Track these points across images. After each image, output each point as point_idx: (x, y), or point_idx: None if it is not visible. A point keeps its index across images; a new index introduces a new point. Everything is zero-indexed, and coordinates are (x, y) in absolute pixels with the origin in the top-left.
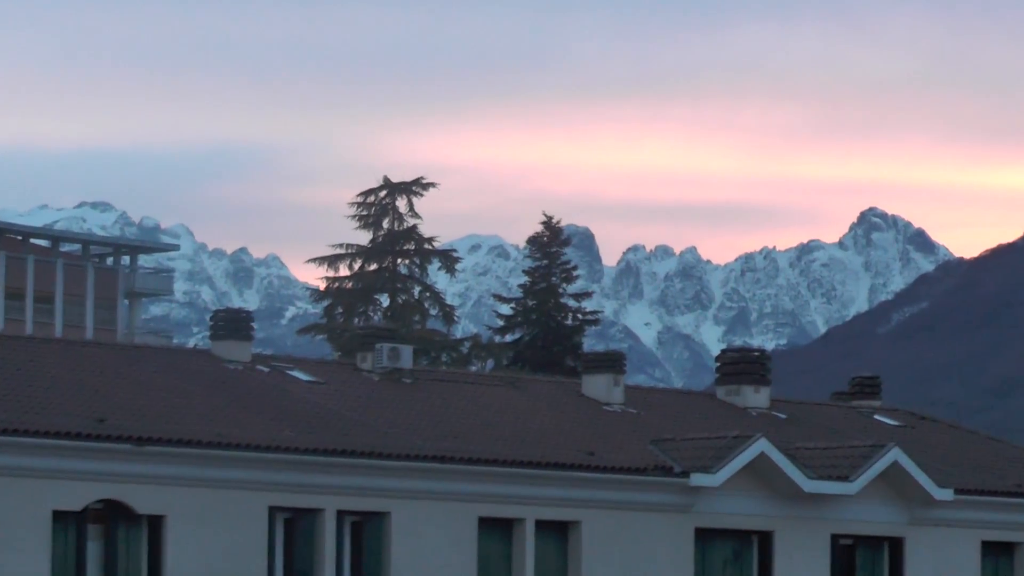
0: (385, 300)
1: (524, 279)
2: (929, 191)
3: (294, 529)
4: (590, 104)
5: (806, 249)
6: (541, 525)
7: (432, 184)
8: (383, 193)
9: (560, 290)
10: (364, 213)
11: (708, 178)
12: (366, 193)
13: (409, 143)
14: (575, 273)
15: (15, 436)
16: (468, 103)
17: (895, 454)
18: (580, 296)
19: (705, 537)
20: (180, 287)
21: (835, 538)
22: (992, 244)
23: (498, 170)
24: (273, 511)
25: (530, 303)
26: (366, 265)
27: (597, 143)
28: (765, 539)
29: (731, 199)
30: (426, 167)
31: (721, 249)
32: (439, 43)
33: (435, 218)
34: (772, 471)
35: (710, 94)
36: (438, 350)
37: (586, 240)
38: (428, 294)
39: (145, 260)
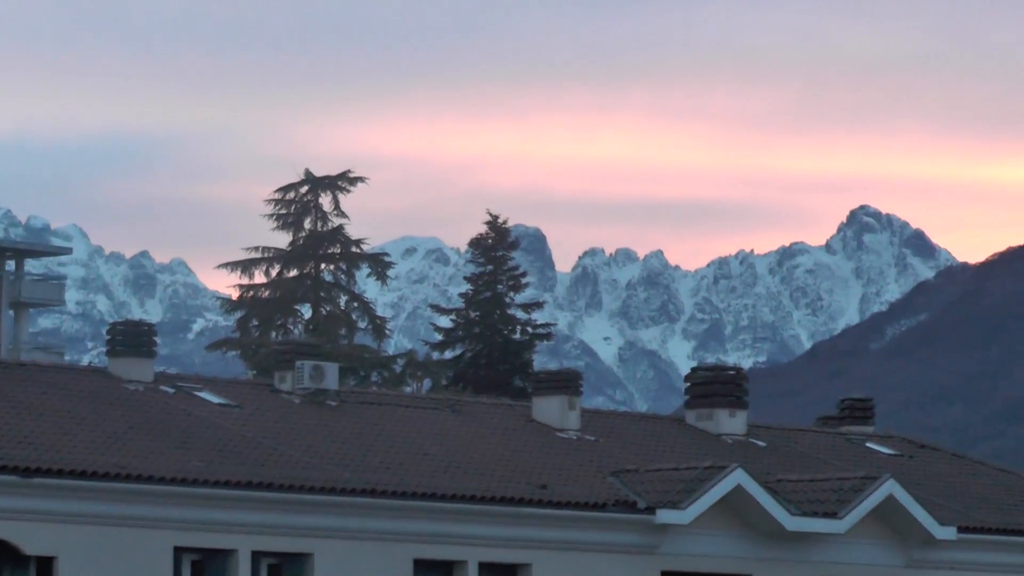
0: (307, 311)
1: (466, 287)
2: (929, 187)
3: (203, 572)
4: (539, 88)
5: (788, 253)
6: (485, 568)
7: (360, 179)
8: (304, 189)
9: (507, 300)
10: (283, 212)
11: (675, 172)
12: (285, 189)
13: (334, 132)
14: (524, 280)
15: None
16: (401, 87)
17: (890, 487)
18: (530, 307)
19: None
20: (73, 296)
21: None
22: (1001, 247)
23: (435, 163)
24: (179, 552)
25: (473, 315)
26: (285, 271)
27: (548, 132)
28: None
29: (702, 196)
30: (353, 159)
31: (691, 253)
32: (367, 18)
33: (364, 218)
34: (750, 507)
35: (676, 77)
36: (367, 368)
37: (536, 243)
38: (356, 304)
39: (33, 265)
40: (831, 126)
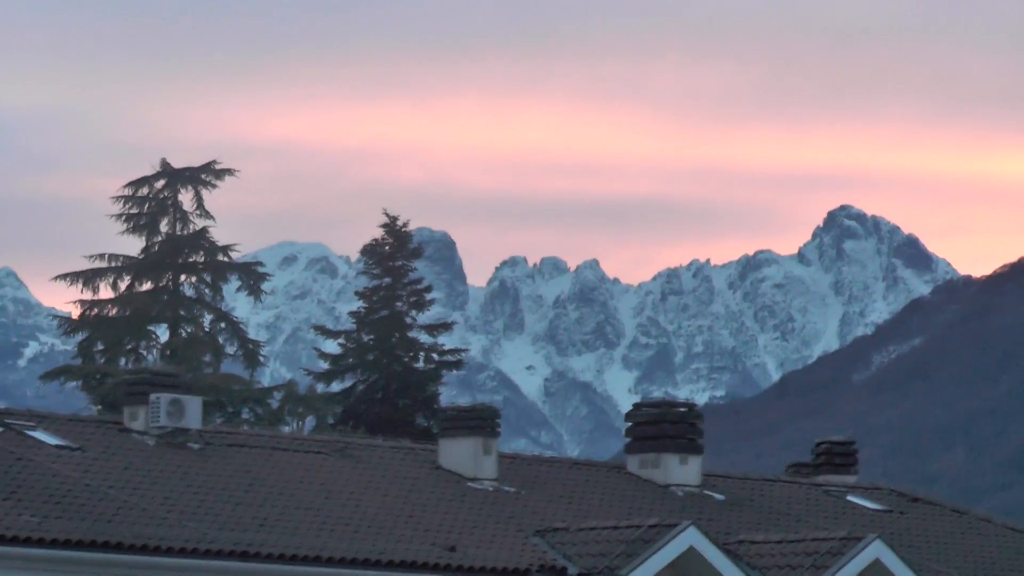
0: (164, 333)
1: (357, 304)
2: (923, 183)
3: None
4: (445, 62)
5: (752, 264)
6: None
7: (229, 171)
8: (160, 183)
9: (408, 320)
10: (134, 211)
11: (613, 165)
12: (136, 183)
13: (196, 115)
14: (429, 296)
15: None
16: (277, 60)
17: (876, 550)
18: (436, 328)
19: None
20: None
21: None
22: (1011, 257)
23: (319, 153)
24: None
25: (366, 338)
26: (137, 284)
27: (457, 116)
28: None
29: (646, 194)
30: (220, 148)
31: (633, 264)
32: None
33: (233, 219)
34: (705, 573)
35: (614, 48)
36: (237, 403)
37: (444, 250)
38: (223, 324)
39: None
40: (804, 110)
